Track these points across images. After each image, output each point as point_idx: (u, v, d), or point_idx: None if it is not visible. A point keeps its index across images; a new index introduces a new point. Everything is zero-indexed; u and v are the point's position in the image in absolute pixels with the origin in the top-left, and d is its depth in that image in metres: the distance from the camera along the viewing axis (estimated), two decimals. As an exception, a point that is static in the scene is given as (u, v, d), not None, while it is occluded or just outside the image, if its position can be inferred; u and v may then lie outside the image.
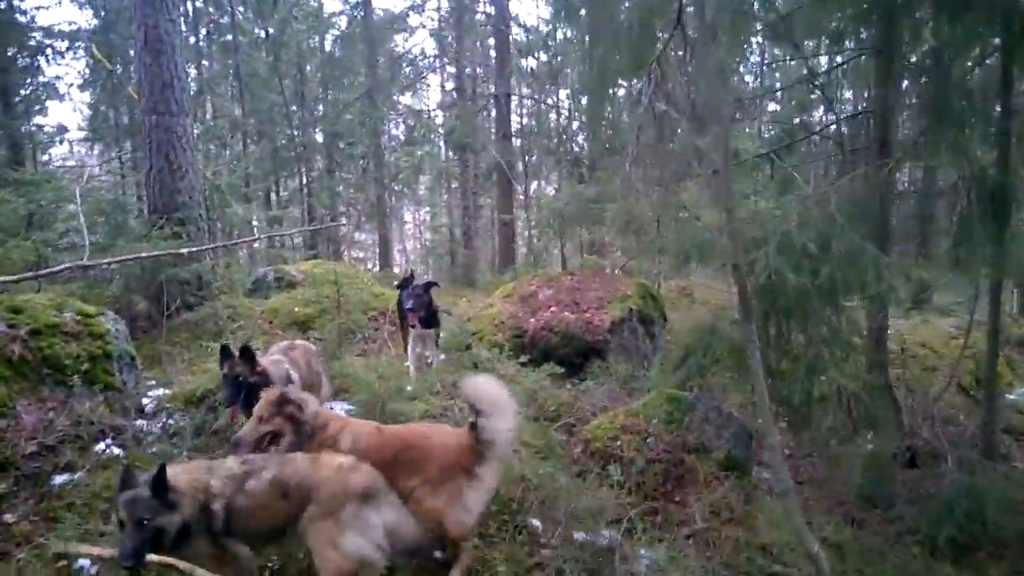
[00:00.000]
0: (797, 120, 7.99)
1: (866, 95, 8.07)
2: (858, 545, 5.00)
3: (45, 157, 21.79)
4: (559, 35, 17.44)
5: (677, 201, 4.86)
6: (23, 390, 4.91)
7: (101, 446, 4.90)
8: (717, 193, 4.52)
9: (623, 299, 7.95)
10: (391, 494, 3.35)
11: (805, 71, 6.69)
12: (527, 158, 18.50)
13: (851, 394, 4.93)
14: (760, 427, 6.01)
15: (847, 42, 6.15)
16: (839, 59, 6.65)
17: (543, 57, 18.99)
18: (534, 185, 21.95)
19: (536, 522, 4.41)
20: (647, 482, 5.05)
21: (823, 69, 6.82)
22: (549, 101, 19.64)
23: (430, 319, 6.81)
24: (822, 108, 9.44)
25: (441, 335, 7.33)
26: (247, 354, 4.56)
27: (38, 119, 20.52)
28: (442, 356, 7.84)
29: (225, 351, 4.58)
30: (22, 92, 18.82)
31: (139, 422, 5.53)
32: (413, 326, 6.66)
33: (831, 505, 5.69)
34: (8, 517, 4.13)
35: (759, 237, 4.46)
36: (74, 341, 5.39)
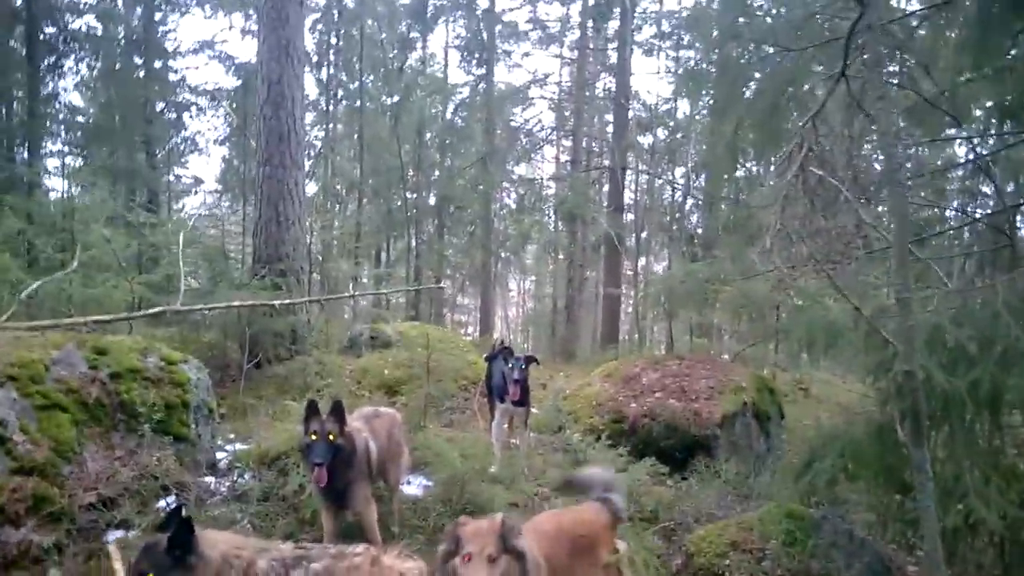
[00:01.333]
0: (931, 209, 7.12)
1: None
2: None
3: (179, 205, 23.26)
4: (680, 112, 17.09)
5: (818, 285, 4.11)
6: (94, 435, 4.71)
7: (162, 503, 4.61)
8: (849, 278, 3.83)
9: (736, 391, 7.14)
10: None
11: (969, 152, 5.85)
12: (637, 233, 17.93)
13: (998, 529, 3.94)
14: (897, 558, 5.07)
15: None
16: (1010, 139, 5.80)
17: (660, 133, 18.65)
18: (642, 261, 21.32)
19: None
20: (761, 616, 4.22)
21: (987, 152, 5.97)
22: (664, 177, 19.17)
23: (523, 397, 6.26)
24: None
25: (532, 412, 6.77)
26: (337, 412, 4.05)
27: (177, 170, 22.04)
28: (531, 435, 7.27)
29: (312, 407, 4.10)
30: (166, 146, 20.27)
31: (207, 479, 5.24)
32: (508, 400, 6.13)
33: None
34: (53, 574, 3.84)
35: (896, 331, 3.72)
36: (154, 388, 5.20)
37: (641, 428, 6.89)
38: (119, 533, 4.23)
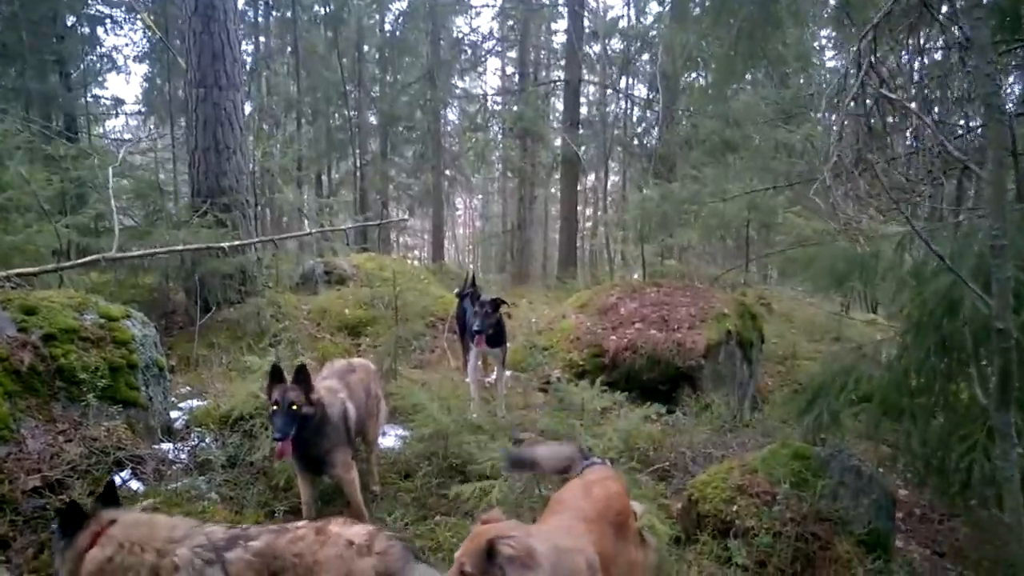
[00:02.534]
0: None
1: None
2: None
3: (100, 130, 21.58)
4: (635, 20, 16.35)
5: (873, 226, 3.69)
6: (31, 407, 4.15)
7: (117, 480, 4.12)
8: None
9: (719, 319, 6.90)
10: None
11: None
12: (605, 150, 17.34)
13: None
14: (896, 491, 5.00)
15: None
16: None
17: (615, 44, 17.85)
18: (591, 177, 20.85)
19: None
20: (772, 561, 4.04)
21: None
22: (620, 91, 18.51)
23: (497, 337, 5.89)
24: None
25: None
26: (302, 378, 3.69)
27: (96, 91, 20.29)
28: (508, 374, 6.95)
29: (275, 373, 3.68)
30: (80, 65, 18.50)
31: (165, 446, 4.76)
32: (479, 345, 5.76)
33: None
34: (2, 571, 3.36)
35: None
36: (94, 348, 4.62)
37: (622, 362, 6.64)
38: (71, 519, 3.73)
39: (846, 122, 2.93)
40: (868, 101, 2.86)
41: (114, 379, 4.59)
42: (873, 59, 2.74)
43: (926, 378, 3.53)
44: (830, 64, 11.46)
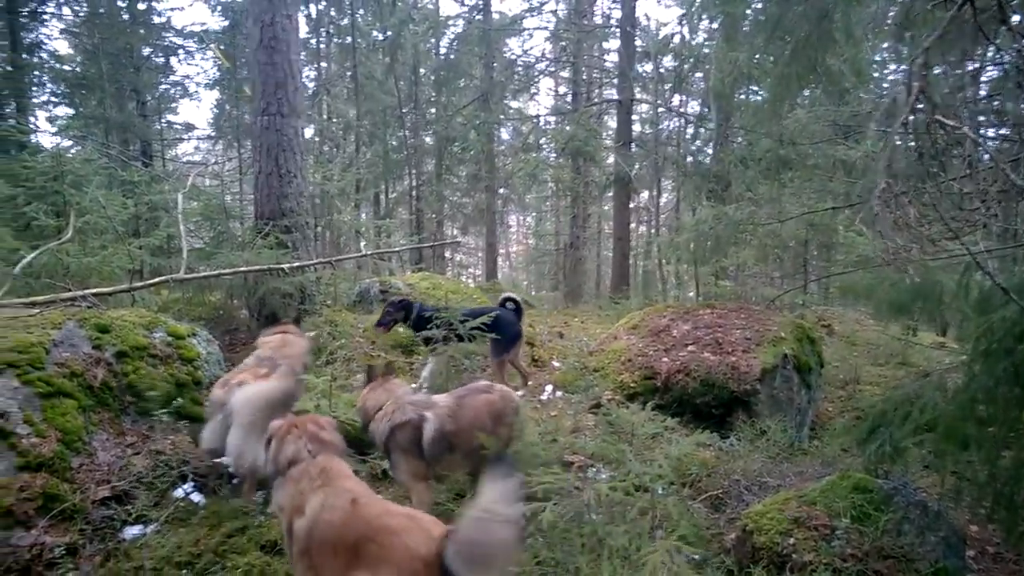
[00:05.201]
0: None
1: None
2: None
3: (172, 154, 22.60)
4: (688, 38, 16.23)
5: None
6: (103, 421, 4.37)
7: (179, 492, 4.30)
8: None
9: (775, 342, 6.78)
10: None
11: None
12: (656, 170, 17.24)
13: None
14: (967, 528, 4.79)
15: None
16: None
17: (667, 63, 17.78)
18: (644, 196, 20.73)
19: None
20: (830, 598, 3.93)
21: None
22: (675, 109, 18.40)
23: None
24: None
25: (558, 368, 6.50)
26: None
27: (169, 117, 21.31)
28: (558, 393, 6.97)
29: None
30: (155, 93, 19.49)
31: (226, 460, 4.92)
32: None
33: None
34: (68, 580, 3.53)
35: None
36: (162, 365, 4.84)
37: (675, 385, 6.56)
38: (136, 529, 3.90)
39: (895, 146, 2.88)
40: (918, 124, 2.81)
41: (180, 395, 4.80)
42: (925, 83, 2.69)
43: (995, 407, 3.41)
44: (892, 78, 11.18)
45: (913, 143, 2.93)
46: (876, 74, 10.68)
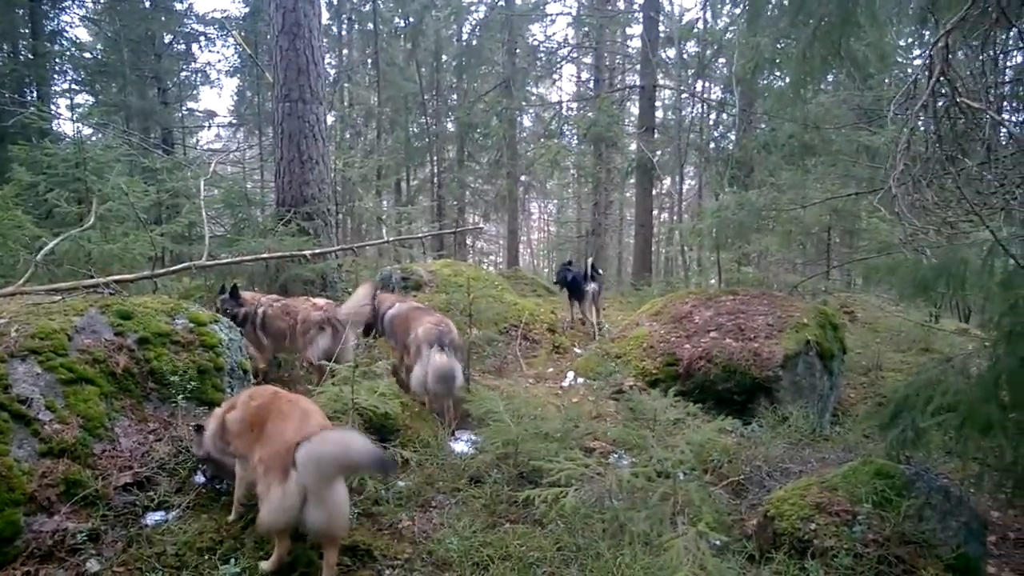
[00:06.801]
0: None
1: None
2: None
3: (193, 141, 22.75)
4: (711, 23, 16.01)
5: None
6: (125, 407, 4.39)
7: (201, 478, 4.32)
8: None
9: (798, 328, 6.68)
10: None
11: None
12: (679, 156, 17.05)
13: None
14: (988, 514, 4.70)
15: None
16: None
17: (690, 47, 17.55)
18: (667, 182, 20.52)
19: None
20: (852, 585, 3.87)
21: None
22: (697, 95, 18.15)
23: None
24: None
25: (580, 355, 6.46)
26: None
27: (190, 104, 21.45)
28: (580, 380, 6.93)
29: None
30: (176, 80, 19.59)
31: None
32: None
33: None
34: (92, 565, 3.56)
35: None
36: (184, 352, 4.85)
37: (697, 371, 6.50)
38: (158, 515, 3.93)
39: (915, 129, 2.78)
40: (939, 107, 2.70)
41: (201, 381, 4.81)
42: (946, 66, 2.59)
43: (1018, 390, 3.32)
44: (917, 63, 10.94)
45: (933, 127, 2.83)
46: (900, 59, 10.46)
